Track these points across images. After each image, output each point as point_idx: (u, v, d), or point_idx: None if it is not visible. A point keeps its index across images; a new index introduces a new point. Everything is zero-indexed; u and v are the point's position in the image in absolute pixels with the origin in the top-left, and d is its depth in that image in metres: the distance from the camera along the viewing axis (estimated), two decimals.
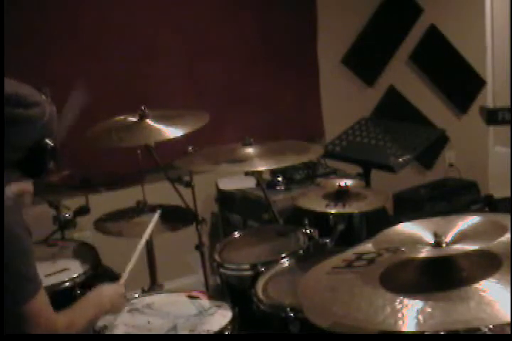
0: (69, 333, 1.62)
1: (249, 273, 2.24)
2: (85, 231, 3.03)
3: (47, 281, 2.18)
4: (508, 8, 4.17)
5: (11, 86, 1.54)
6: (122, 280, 1.99)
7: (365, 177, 3.28)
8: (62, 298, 2.11)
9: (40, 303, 1.55)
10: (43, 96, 1.62)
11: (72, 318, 1.65)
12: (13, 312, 1.51)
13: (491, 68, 4.56)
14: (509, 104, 3.77)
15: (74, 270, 2.29)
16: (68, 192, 2.80)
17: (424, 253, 1.36)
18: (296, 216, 2.68)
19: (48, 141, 1.62)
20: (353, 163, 3.46)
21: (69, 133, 2.81)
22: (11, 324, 1.52)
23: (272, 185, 3.46)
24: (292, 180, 3.51)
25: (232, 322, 1.94)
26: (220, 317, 1.97)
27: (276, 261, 2.25)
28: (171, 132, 2.48)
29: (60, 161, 1.68)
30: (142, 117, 2.55)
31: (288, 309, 1.89)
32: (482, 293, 1.26)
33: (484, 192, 4.15)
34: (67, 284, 2.20)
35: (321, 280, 1.53)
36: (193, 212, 2.71)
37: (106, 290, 1.86)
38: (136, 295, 2.19)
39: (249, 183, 3.39)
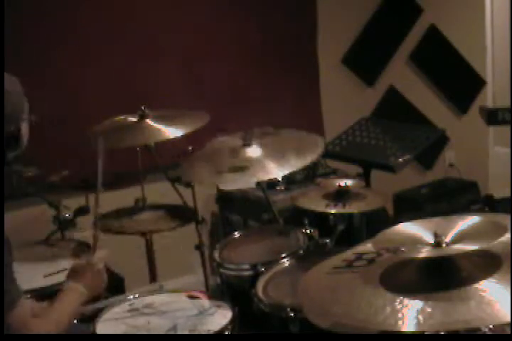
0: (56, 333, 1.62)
1: (249, 273, 2.24)
2: (85, 231, 3.02)
3: (47, 281, 2.18)
4: (508, 8, 4.18)
5: None
6: (95, 255, 1.96)
7: (365, 177, 3.28)
8: None
9: (19, 315, 1.54)
10: None
11: (56, 320, 1.65)
12: None
13: (491, 68, 4.57)
14: (509, 104, 3.77)
15: None
16: (68, 192, 2.80)
17: (424, 253, 1.36)
18: (296, 216, 2.67)
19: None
20: (353, 163, 3.46)
21: (68, 133, 2.82)
22: None
23: (272, 185, 3.45)
24: (292, 180, 3.51)
25: (232, 322, 1.93)
26: (220, 317, 1.96)
27: (276, 261, 2.25)
28: (171, 132, 2.47)
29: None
30: (142, 117, 2.54)
31: (288, 309, 1.89)
32: (482, 293, 1.26)
33: (484, 192, 4.15)
34: None
35: (321, 280, 1.53)
36: (194, 211, 2.70)
37: (81, 277, 1.82)
38: (137, 295, 2.19)
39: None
